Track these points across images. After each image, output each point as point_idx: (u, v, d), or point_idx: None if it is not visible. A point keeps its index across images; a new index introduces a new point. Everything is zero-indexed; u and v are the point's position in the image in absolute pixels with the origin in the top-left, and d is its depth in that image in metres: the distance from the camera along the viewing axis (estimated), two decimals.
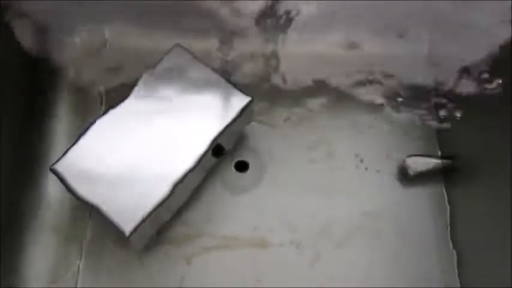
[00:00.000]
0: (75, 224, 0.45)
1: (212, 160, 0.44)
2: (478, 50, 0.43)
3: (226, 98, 0.42)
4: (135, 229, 0.38)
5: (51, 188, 0.45)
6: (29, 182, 0.46)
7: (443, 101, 0.49)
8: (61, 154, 0.41)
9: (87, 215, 0.45)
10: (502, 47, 0.40)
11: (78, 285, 0.43)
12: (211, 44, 0.47)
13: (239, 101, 0.42)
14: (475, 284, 0.42)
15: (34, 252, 0.44)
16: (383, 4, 0.46)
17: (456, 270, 0.44)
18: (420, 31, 0.50)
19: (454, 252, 0.45)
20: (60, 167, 0.40)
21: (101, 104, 0.49)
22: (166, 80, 0.43)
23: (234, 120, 0.42)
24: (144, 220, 0.38)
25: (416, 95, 0.50)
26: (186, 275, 0.44)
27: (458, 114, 0.45)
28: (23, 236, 0.44)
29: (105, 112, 0.42)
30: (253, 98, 0.43)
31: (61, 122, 0.48)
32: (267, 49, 0.50)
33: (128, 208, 0.39)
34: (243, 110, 0.42)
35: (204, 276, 0.44)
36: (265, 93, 0.50)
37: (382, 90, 0.50)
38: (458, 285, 0.43)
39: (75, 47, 0.50)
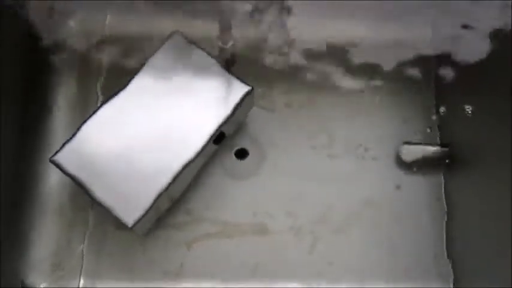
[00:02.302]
0: (78, 210, 0.46)
1: (213, 147, 0.44)
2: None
3: (226, 87, 0.42)
4: (138, 220, 0.38)
5: (53, 176, 0.46)
6: (31, 170, 0.46)
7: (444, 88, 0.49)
8: (60, 144, 0.41)
9: (89, 201, 0.45)
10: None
11: (82, 270, 0.44)
12: (211, 29, 0.46)
13: (239, 90, 0.42)
14: (469, 274, 0.43)
15: (38, 239, 0.45)
16: None
17: (449, 260, 0.45)
18: (424, 18, 0.50)
19: (445, 239, 0.46)
20: (60, 157, 0.40)
21: (99, 92, 0.48)
22: (165, 69, 0.42)
23: (235, 110, 0.42)
24: (146, 211, 0.39)
25: (418, 82, 0.50)
26: (186, 260, 0.45)
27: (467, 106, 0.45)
28: (26, 223, 0.45)
29: (104, 102, 0.41)
30: (253, 88, 0.42)
31: (60, 111, 0.48)
32: (267, 34, 0.50)
33: (130, 199, 0.39)
34: (243, 99, 0.42)
35: (204, 261, 0.45)
36: (265, 78, 0.49)
37: (384, 77, 0.50)
38: (451, 273, 0.45)
39: (73, 34, 0.50)
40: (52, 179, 0.46)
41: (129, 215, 0.38)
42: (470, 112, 0.45)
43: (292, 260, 0.45)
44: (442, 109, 0.49)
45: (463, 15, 0.46)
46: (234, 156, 0.48)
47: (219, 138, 0.43)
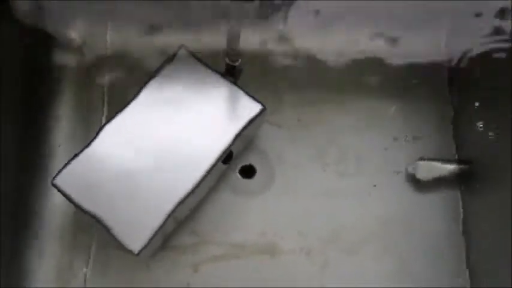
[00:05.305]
0: (80, 231, 0.44)
1: (221, 167, 0.43)
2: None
3: (237, 105, 0.40)
4: (144, 247, 0.37)
5: (54, 195, 0.44)
6: (31, 189, 0.44)
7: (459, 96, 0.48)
8: (62, 159, 0.39)
9: (91, 222, 0.44)
10: None
11: None
12: (218, 43, 0.45)
13: (251, 108, 0.40)
14: None
15: (39, 262, 0.43)
16: None
17: (468, 280, 0.43)
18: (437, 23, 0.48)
19: (465, 260, 0.44)
20: (61, 180, 0.38)
21: (103, 104, 0.47)
22: (171, 86, 0.40)
23: (245, 129, 0.40)
24: (152, 237, 0.37)
25: (433, 95, 0.48)
26: (193, 283, 0.43)
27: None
28: (27, 244, 0.43)
29: (107, 121, 0.39)
30: (265, 107, 0.40)
31: (62, 124, 0.46)
32: (275, 47, 0.48)
33: (135, 224, 0.37)
34: (255, 118, 0.40)
35: (212, 284, 0.43)
36: (274, 92, 0.47)
37: (397, 89, 0.48)
38: None
39: (75, 44, 0.48)
40: (53, 199, 0.44)
41: (135, 242, 0.37)
42: (482, 128, 0.43)
43: (303, 281, 0.44)
44: (459, 123, 0.47)
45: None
46: (241, 174, 0.46)
47: (227, 157, 0.41)
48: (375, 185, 0.46)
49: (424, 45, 0.49)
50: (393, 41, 0.49)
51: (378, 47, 0.49)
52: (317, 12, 0.47)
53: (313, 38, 0.49)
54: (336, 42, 0.49)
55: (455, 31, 0.48)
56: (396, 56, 0.49)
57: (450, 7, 0.46)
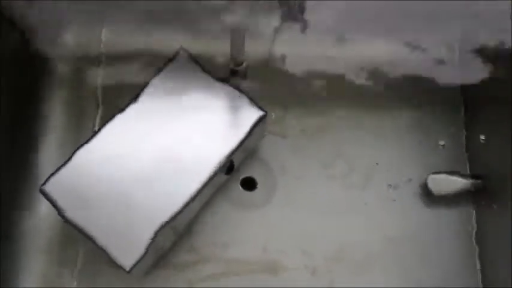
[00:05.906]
0: (68, 245, 0.41)
1: (221, 178, 0.40)
2: None
3: (238, 111, 0.38)
4: (136, 263, 0.34)
5: (41, 206, 0.41)
6: (17, 199, 0.41)
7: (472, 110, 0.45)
8: (52, 168, 0.36)
9: (79, 235, 0.41)
10: None
11: None
12: (219, 46, 0.42)
13: (252, 114, 0.38)
14: None
15: (24, 277, 0.40)
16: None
17: None
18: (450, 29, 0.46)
19: (481, 279, 0.41)
20: (50, 187, 0.35)
21: (97, 108, 0.44)
22: (169, 91, 0.38)
23: (247, 137, 0.37)
24: (145, 252, 0.34)
25: (444, 101, 0.46)
26: None
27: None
28: (12, 258, 0.40)
29: (100, 127, 0.37)
30: (266, 112, 0.38)
31: (53, 127, 0.44)
32: (280, 52, 0.46)
33: (127, 238, 0.34)
34: (256, 125, 0.38)
35: None
36: (278, 101, 0.45)
37: (408, 100, 0.46)
38: None
39: (69, 46, 0.46)
40: (40, 210, 0.42)
41: (126, 257, 0.34)
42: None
43: None
44: (473, 135, 0.44)
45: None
46: (242, 187, 0.43)
47: (229, 168, 0.39)
48: (383, 199, 0.43)
49: (436, 53, 0.47)
50: (401, 49, 0.47)
51: (386, 55, 0.47)
52: (323, 21, 0.45)
53: (319, 46, 0.47)
54: (343, 50, 0.47)
55: (468, 38, 0.46)
56: (406, 65, 0.47)
57: (463, 12, 0.44)
